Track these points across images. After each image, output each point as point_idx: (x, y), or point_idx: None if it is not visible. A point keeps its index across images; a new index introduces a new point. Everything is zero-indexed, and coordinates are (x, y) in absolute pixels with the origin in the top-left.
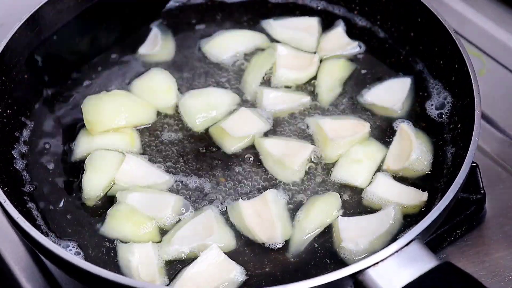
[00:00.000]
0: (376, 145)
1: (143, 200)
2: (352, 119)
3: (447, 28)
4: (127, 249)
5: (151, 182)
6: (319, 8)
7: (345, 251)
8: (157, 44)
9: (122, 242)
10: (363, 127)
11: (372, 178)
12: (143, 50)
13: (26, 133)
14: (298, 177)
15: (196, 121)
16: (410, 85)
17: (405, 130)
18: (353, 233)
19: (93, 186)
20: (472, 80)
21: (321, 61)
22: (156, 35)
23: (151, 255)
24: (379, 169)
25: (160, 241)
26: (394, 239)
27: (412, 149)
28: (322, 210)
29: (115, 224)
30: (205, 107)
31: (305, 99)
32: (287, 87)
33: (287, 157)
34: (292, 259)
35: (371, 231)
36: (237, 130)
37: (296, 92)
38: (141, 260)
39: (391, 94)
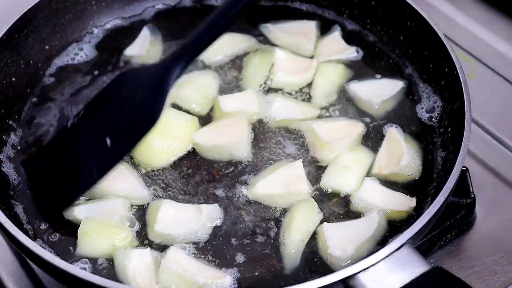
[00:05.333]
0: (364, 151)
1: (92, 210)
2: (345, 120)
3: (437, 31)
4: (125, 255)
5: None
6: (309, 11)
7: (332, 258)
8: (145, 46)
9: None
10: (356, 127)
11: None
12: (129, 51)
13: (14, 136)
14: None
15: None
16: (400, 88)
17: (394, 135)
18: (339, 240)
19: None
20: (462, 84)
21: None
22: (146, 37)
23: (148, 261)
24: (368, 174)
25: (142, 245)
26: (378, 244)
27: (403, 154)
28: (303, 219)
29: (90, 242)
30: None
31: (315, 112)
32: (288, 93)
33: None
34: (289, 272)
35: (357, 237)
36: (229, 106)
37: (306, 103)
38: (138, 265)
39: (376, 90)
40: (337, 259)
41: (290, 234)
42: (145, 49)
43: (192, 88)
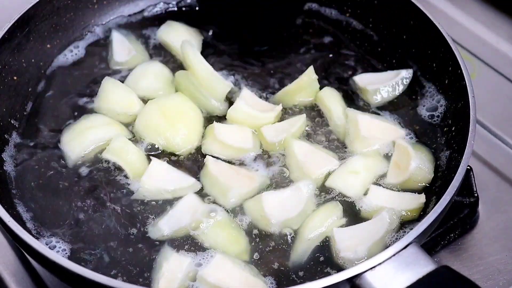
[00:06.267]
0: (377, 158)
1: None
2: (390, 123)
3: (441, 30)
4: (166, 254)
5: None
6: (311, 10)
7: (345, 261)
8: (129, 49)
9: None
10: (397, 132)
11: (368, 190)
12: (118, 58)
13: (15, 135)
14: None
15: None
16: (401, 78)
17: (401, 144)
18: (351, 242)
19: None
20: (467, 82)
21: None
22: (123, 41)
23: (178, 271)
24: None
25: (247, 260)
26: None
27: (411, 159)
28: (321, 219)
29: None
30: None
31: (301, 119)
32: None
33: (308, 165)
34: (292, 267)
35: (368, 238)
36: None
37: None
38: (169, 271)
39: (377, 80)
40: (350, 261)
41: (306, 228)
42: (132, 51)
43: (150, 77)
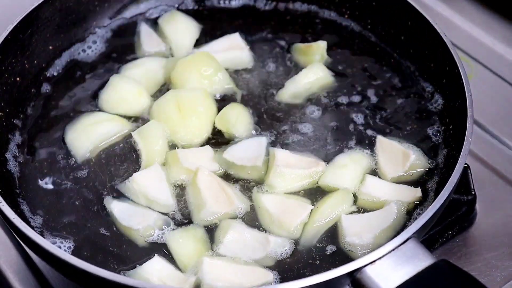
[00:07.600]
0: (360, 152)
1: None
2: (310, 157)
3: (438, 30)
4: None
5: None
6: (310, 12)
7: (350, 246)
8: (158, 41)
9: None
10: (318, 165)
11: (363, 180)
12: (146, 47)
13: (18, 135)
14: (294, 236)
15: None
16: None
17: (384, 141)
18: (357, 229)
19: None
20: (464, 81)
21: None
22: (150, 32)
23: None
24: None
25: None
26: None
27: (408, 152)
28: (332, 204)
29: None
30: None
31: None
32: None
33: (284, 217)
34: (299, 254)
35: (375, 226)
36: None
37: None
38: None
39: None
40: (355, 247)
41: (317, 212)
42: (160, 42)
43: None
